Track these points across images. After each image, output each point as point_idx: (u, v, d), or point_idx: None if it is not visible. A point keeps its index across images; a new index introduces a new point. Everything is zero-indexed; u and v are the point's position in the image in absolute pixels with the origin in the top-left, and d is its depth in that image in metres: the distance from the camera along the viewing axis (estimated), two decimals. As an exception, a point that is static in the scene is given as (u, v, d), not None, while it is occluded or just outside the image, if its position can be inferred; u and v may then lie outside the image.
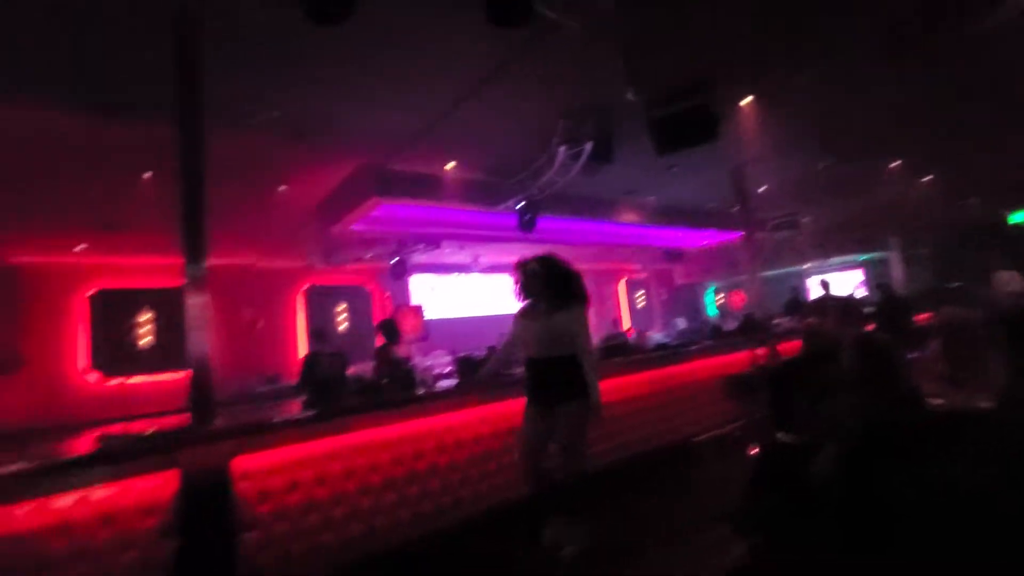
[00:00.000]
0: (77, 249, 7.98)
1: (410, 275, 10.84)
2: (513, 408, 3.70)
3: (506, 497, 3.44)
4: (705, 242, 12.92)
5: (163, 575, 2.33)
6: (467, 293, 12.65)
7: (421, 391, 3.79)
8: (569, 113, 6.04)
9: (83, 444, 2.69)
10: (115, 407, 7.95)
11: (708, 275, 15.61)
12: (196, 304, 2.88)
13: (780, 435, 2.72)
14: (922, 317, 6.78)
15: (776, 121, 6.19)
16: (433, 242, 8.90)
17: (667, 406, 4.78)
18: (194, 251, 2.92)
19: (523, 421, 2.99)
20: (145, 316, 8.83)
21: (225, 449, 2.56)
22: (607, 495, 3.87)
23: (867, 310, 7.23)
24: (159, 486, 2.41)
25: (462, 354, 5.37)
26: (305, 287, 10.48)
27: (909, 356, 2.73)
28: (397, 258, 9.54)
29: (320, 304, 10.58)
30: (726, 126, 5.66)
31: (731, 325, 7.97)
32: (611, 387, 4.37)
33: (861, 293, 13.82)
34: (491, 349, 4.60)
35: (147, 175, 5.84)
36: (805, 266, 14.43)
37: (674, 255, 13.46)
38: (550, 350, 2.87)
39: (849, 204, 11.07)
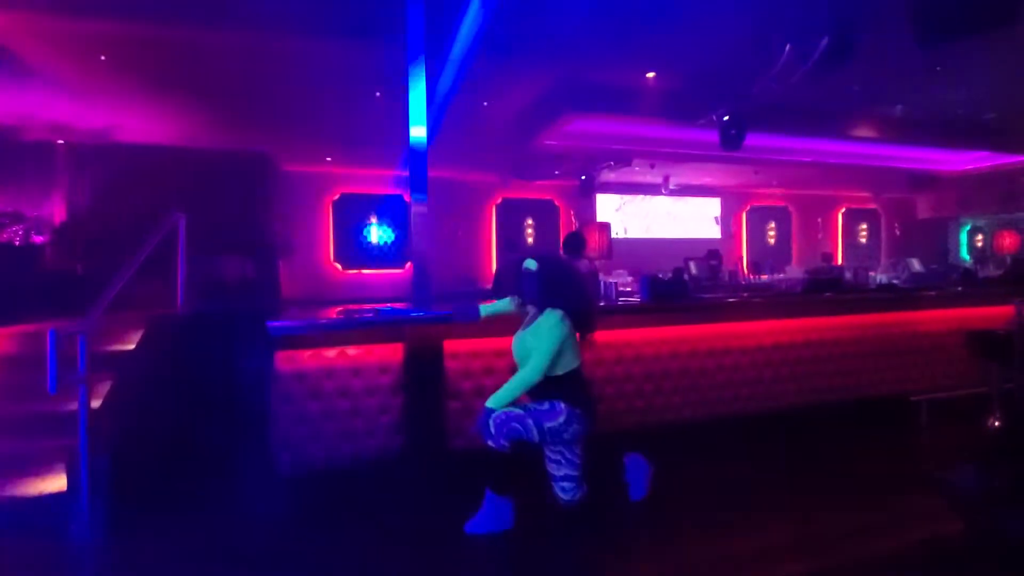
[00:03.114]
0: (327, 160, 9.69)
1: (596, 193, 10.81)
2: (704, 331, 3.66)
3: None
4: (971, 165, 10.21)
5: (395, 419, 2.99)
6: (652, 215, 12.26)
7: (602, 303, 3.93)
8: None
9: (336, 315, 3.43)
10: (352, 291, 9.88)
11: (966, 208, 12.37)
12: (419, 212, 3.34)
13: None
14: None
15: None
16: (624, 160, 8.65)
17: (883, 356, 4.24)
18: (417, 164, 3.34)
19: None
20: (372, 219, 10.50)
21: (438, 331, 3.06)
22: (795, 438, 3.68)
23: None
24: (391, 353, 3.02)
25: (647, 274, 5.31)
26: (498, 201, 11.23)
27: None
28: (585, 176, 9.54)
29: (510, 217, 11.29)
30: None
31: (992, 272, 6.39)
32: (812, 326, 4.03)
33: None
34: (677, 271, 4.47)
35: (377, 94, 6.67)
36: None
37: (923, 181, 10.92)
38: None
39: None
